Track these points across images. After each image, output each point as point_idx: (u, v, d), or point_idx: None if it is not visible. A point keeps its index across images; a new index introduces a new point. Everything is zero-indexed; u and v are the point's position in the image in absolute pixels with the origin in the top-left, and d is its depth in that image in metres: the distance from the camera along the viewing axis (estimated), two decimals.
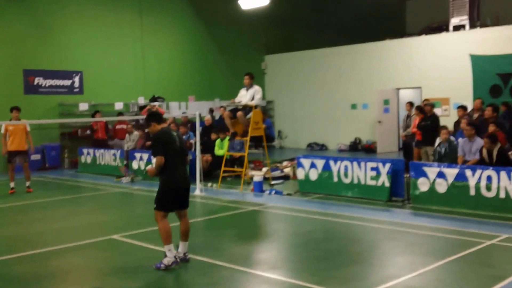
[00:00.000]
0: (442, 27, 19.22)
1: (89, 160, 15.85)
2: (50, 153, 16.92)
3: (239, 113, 11.84)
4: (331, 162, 10.67)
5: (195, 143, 11.77)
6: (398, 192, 9.77)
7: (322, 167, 10.78)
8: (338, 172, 10.52)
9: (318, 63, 21.54)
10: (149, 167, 6.45)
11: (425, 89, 18.11)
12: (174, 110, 19.63)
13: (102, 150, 15.45)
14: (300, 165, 11.19)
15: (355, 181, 10.26)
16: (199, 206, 10.30)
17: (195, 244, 6.83)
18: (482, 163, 9.43)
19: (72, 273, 6.28)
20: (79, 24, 17.80)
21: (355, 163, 10.31)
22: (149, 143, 14.24)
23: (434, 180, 9.08)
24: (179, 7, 20.48)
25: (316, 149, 21.07)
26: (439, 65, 17.70)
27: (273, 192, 11.21)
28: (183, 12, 20.61)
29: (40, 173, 15.74)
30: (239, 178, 12.22)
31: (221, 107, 17.55)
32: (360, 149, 19.87)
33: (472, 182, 8.67)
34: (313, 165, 10.93)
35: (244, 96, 11.94)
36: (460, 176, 8.79)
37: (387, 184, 9.77)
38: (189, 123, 16.52)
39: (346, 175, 10.40)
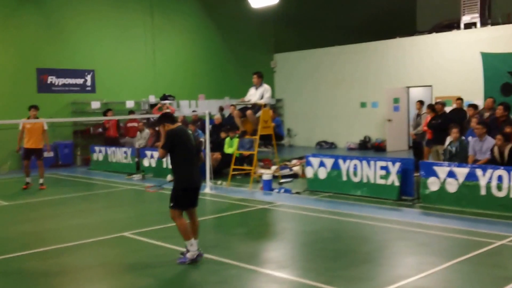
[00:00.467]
0: (453, 25, 19.08)
1: (100, 157, 15.98)
2: (63, 151, 17.13)
3: (249, 112, 11.87)
4: (340, 161, 10.65)
5: (205, 141, 11.80)
6: (408, 192, 9.73)
7: (331, 166, 10.76)
8: (347, 171, 10.49)
9: (328, 61, 21.48)
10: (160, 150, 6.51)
11: (436, 87, 17.99)
12: (184, 109, 19.74)
13: (113, 148, 15.58)
14: (309, 164, 11.18)
15: (364, 180, 10.23)
16: (209, 204, 10.33)
17: (205, 242, 6.85)
18: (493, 162, 9.36)
19: (84, 270, 6.33)
20: (92, 23, 18.00)
21: (364, 162, 10.27)
22: (159, 143, 14.30)
23: (445, 180, 9.02)
24: (189, 7, 20.57)
25: (325, 147, 21.02)
26: (450, 63, 17.58)
27: (282, 190, 11.21)
28: (193, 11, 20.69)
29: (53, 170, 15.98)
30: (248, 176, 12.25)
31: (231, 105, 17.67)
32: (370, 148, 19.79)
33: (483, 181, 8.60)
34: (322, 164, 10.91)
35: (254, 95, 11.95)
36: (471, 176, 8.73)
37: (396, 183, 9.73)
38: (199, 122, 16.60)
39: (355, 174, 10.38)
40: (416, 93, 19.21)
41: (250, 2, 18.58)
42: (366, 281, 5.62)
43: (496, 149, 9.51)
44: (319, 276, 5.76)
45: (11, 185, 13.39)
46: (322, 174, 10.89)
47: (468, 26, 17.61)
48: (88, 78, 17.95)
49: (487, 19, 17.58)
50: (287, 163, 14.32)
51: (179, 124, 6.62)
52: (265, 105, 11.81)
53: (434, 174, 9.16)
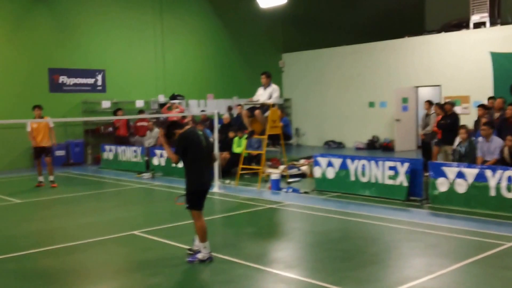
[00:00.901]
0: (462, 24, 18.98)
1: (111, 156, 16.10)
2: (74, 149, 17.30)
3: (257, 112, 11.89)
4: (348, 161, 10.64)
5: (213, 141, 11.83)
6: (417, 192, 9.70)
7: (339, 165, 10.75)
8: (356, 171, 10.48)
9: (336, 61, 21.44)
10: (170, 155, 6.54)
11: (445, 87, 17.92)
12: (193, 108, 19.84)
13: (123, 147, 15.71)
14: (317, 163, 11.18)
15: (373, 180, 10.21)
16: (217, 203, 10.36)
17: (213, 241, 6.86)
18: (502, 163, 9.31)
19: (95, 268, 6.40)
20: (102, 24, 18.19)
21: (372, 162, 10.26)
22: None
23: (454, 180, 8.98)
24: (198, 7, 20.68)
25: (333, 147, 21.00)
26: (459, 63, 17.50)
27: (290, 190, 11.22)
28: (202, 12, 20.79)
29: (64, 168, 16.19)
30: (257, 176, 12.27)
31: (239, 105, 17.70)
32: (378, 148, 19.75)
33: (492, 182, 8.56)
34: (330, 164, 10.91)
35: (262, 95, 11.98)
36: (480, 177, 8.69)
37: (405, 183, 9.71)
38: (208, 121, 16.66)
39: (363, 174, 10.37)
40: (425, 93, 19.13)
41: (258, 2, 18.62)
42: (374, 282, 5.62)
43: (506, 150, 9.47)
44: (327, 277, 5.76)
45: (23, 183, 13.52)
46: (330, 174, 10.89)
47: (478, 25, 17.52)
48: (99, 78, 18.09)
49: (497, 18, 17.48)
50: (295, 162, 14.32)
51: (188, 126, 6.59)
52: (273, 105, 11.83)
53: (443, 174, 9.13)
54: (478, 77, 16.74)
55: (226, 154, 13.62)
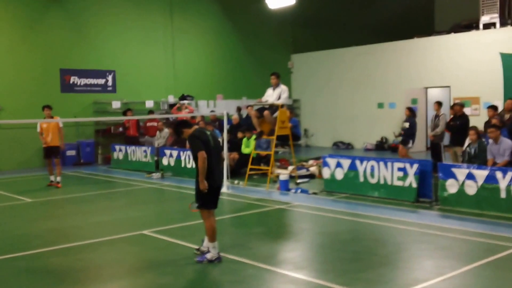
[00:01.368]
0: (472, 25, 18.91)
1: (121, 156, 16.20)
2: (85, 149, 17.45)
3: (266, 112, 11.90)
4: (357, 162, 10.62)
5: (223, 141, 11.87)
6: (426, 193, 9.67)
7: (348, 166, 10.74)
8: (364, 172, 10.46)
9: (345, 62, 21.41)
10: (200, 185, 6.28)
11: (454, 88, 17.84)
12: (202, 109, 19.93)
13: (133, 147, 15.80)
14: (326, 164, 11.17)
15: (382, 182, 10.19)
16: (226, 203, 10.37)
17: (222, 241, 6.88)
18: None
19: (105, 267, 6.44)
20: (113, 25, 18.36)
21: (381, 163, 10.24)
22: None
23: (463, 182, 8.94)
24: (208, 9, 20.78)
25: (342, 148, 20.97)
26: (469, 64, 17.41)
27: (299, 190, 11.23)
28: (212, 13, 20.88)
29: (75, 168, 16.39)
30: (265, 176, 12.28)
31: (248, 106, 17.71)
32: (387, 149, 19.69)
33: (502, 184, 8.50)
34: (339, 165, 10.90)
35: (271, 96, 11.99)
36: (490, 178, 8.64)
37: (414, 185, 9.68)
38: (217, 121, 16.72)
39: (372, 175, 10.34)
40: (434, 94, 19.05)
41: (267, 3, 18.64)
42: (384, 283, 5.61)
43: None
44: (336, 278, 5.76)
45: (35, 183, 13.65)
46: (339, 174, 10.88)
47: (487, 26, 17.44)
48: (109, 78, 18.22)
49: (507, 19, 17.38)
50: (304, 163, 14.33)
51: (196, 126, 6.59)
52: (282, 106, 11.83)
53: (453, 176, 9.09)
54: (488, 78, 16.65)
55: (235, 155, 13.64)
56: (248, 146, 13.75)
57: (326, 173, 11.17)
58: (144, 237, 7.77)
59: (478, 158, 10.07)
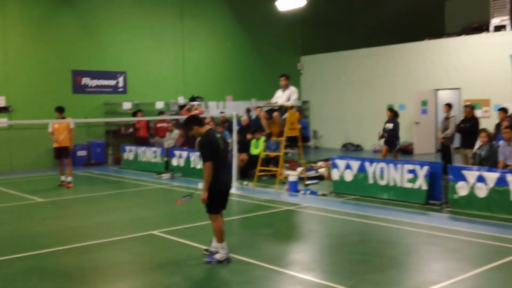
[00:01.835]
0: (482, 28, 18.82)
1: (131, 157, 16.29)
2: (95, 150, 17.59)
3: (275, 114, 11.91)
4: (367, 164, 10.60)
5: (232, 142, 11.90)
6: (436, 196, 9.62)
7: (357, 168, 10.72)
8: (374, 173, 10.43)
9: (355, 63, 21.37)
10: (202, 196, 6.34)
11: (465, 90, 17.75)
12: (212, 110, 19.98)
13: (143, 148, 15.90)
14: (335, 166, 11.16)
15: (391, 183, 10.16)
16: (235, 204, 10.39)
17: (231, 242, 6.90)
18: None
19: (114, 267, 6.48)
20: (124, 27, 18.51)
21: (391, 165, 10.21)
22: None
23: (474, 184, 8.90)
24: (218, 11, 20.85)
25: (351, 149, 20.92)
26: (479, 66, 17.32)
27: (308, 192, 11.22)
28: (222, 15, 20.95)
29: (85, 168, 16.55)
30: (274, 178, 12.29)
31: (257, 107, 17.74)
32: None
33: None
34: (348, 166, 10.88)
35: (280, 97, 12.00)
36: (501, 181, 8.58)
37: (424, 187, 9.64)
38: (227, 123, 16.76)
39: (382, 177, 10.31)
40: (444, 96, 18.96)
41: (277, 5, 18.67)
42: (393, 286, 5.59)
43: None
44: (345, 280, 5.75)
45: (46, 182, 13.79)
46: (348, 176, 10.86)
47: (498, 28, 17.34)
48: (120, 79, 18.35)
49: None
50: (313, 165, 14.32)
51: (208, 127, 6.53)
52: (291, 107, 11.84)
53: (463, 178, 9.04)
54: (499, 80, 16.55)
55: (244, 156, 13.66)
56: (257, 147, 13.77)
57: (335, 174, 11.15)
58: (154, 237, 7.80)
59: (488, 161, 10.01)
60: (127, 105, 18.14)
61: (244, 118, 16.44)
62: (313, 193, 11.15)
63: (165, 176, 14.07)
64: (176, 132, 16.11)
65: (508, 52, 16.24)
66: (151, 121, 17.50)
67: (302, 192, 11.27)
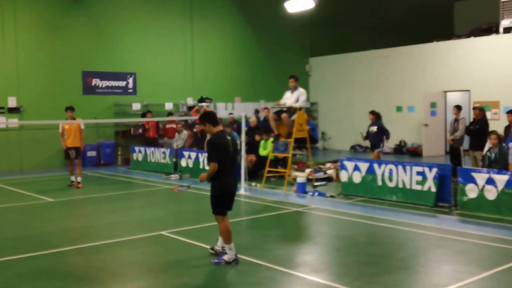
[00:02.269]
0: (491, 29, 18.70)
1: (140, 157, 16.37)
2: (105, 150, 17.68)
3: (284, 115, 11.92)
4: (375, 166, 10.58)
5: (240, 143, 11.92)
6: (445, 198, 9.58)
7: (366, 170, 10.70)
8: (383, 175, 10.41)
9: (364, 65, 21.33)
10: (202, 174, 6.55)
11: (474, 92, 17.66)
12: (221, 111, 20.03)
13: (152, 148, 15.95)
14: (343, 167, 11.14)
15: (400, 185, 10.13)
16: (244, 205, 10.42)
17: (240, 243, 6.93)
18: None
19: (123, 267, 6.51)
20: (133, 28, 18.61)
21: (400, 167, 10.18)
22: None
23: (483, 187, 8.85)
24: (227, 12, 20.91)
25: (359, 151, 20.88)
26: (488, 68, 17.23)
27: (316, 193, 11.22)
28: (231, 16, 21.01)
29: (95, 168, 16.63)
30: (283, 179, 12.30)
31: (265, 108, 17.75)
32: (405, 152, 19.56)
33: None
34: (356, 168, 10.86)
35: (289, 98, 12.01)
36: (511, 183, 8.52)
37: (433, 189, 9.60)
38: (235, 124, 16.80)
39: (390, 179, 10.29)
40: (454, 98, 18.88)
41: (286, 7, 18.68)
42: None
43: None
44: (353, 282, 5.75)
45: (56, 183, 13.87)
46: (357, 178, 10.84)
47: (508, 30, 17.23)
48: (130, 80, 18.46)
49: None
50: (321, 166, 14.31)
51: (220, 128, 6.52)
52: (300, 109, 11.84)
53: (473, 181, 9.00)
54: (508, 82, 16.46)
55: (252, 157, 13.69)
56: (266, 149, 13.78)
57: (343, 176, 11.14)
58: (162, 238, 7.84)
59: (498, 163, 9.96)
60: (136, 106, 18.26)
61: (253, 119, 16.46)
62: (321, 194, 11.14)
63: (174, 176, 14.12)
64: (185, 133, 16.17)
65: None
66: (160, 122, 17.57)
67: (310, 193, 11.27)
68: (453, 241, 7.42)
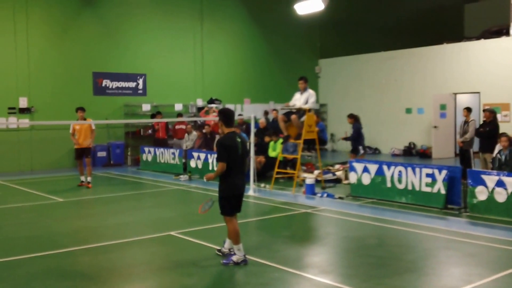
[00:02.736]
0: (502, 31, 18.59)
1: (150, 158, 16.45)
2: (115, 151, 17.79)
3: (293, 116, 11.93)
4: (385, 167, 10.55)
5: (250, 144, 11.93)
6: (454, 200, 9.53)
7: (375, 171, 10.67)
8: (392, 177, 10.37)
9: (373, 67, 21.28)
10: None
11: (484, 94, 17.56)
12: None
13: (162, 149, 16.03)
14: (352, 169, 11.13)
15: (409, 187, 10.09)
16: (253, 206, 10.44)
17: (248, 244, 6.94)
18: None
19: (132, 267, 6.54)
20: (144, 30, 18.73)
21: (409, 169, 10.14)
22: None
23: (493, 189, 8.80)
24: (237, 14, 20.98)
25: (369, 153, 20.78)
26: (499, 70, 17.13)
27: (325, 195, 11.21)
28: (241, 18, 21.07)
29: (105, 169, 16.76)
30: (292, 180, 12.30)
31: (274, 110, 17.76)
32: (415, 154, 19.48)
33: None
34: (365, 170, 10.84)
35: (298, 100, 12.01)
36: None
37: (443, 191, 9.56)
38: (244, 125, 16.83)
39: (400, 180, 10.25)
40: (463, 100, 18.79)
41: (296, 9, 18.69)
42: None
43: None
44: (362, 283, 5.74)
45: (66, 183, 14.00)
46: (366, 179, 10.82)
47: None
48: (140, 81, 18.58)
49: None
50: (330, 167, 14.29)
51: (233, 129, 6.54)
52: (309, 110, 11.84)
53: (482, 183, 8.95)
54: None
55: (261, 158, 13.70)
56: (275, 150, 13.79)
57: (352, 177, 11.12)
58: (171, 238, 7.87)
59: (508, 165, 9.91)
60: (146, 107, 18.36)
61: (262, 120, 16.49)
62: (330, 196, 11.13)
63: (183, 177, 14.17)
64: (195, 134, 16.23)
65: None
66: (170, 123, 17.64)
67: (319, 195, 11.27)
68: (462, 243, 7.38)
